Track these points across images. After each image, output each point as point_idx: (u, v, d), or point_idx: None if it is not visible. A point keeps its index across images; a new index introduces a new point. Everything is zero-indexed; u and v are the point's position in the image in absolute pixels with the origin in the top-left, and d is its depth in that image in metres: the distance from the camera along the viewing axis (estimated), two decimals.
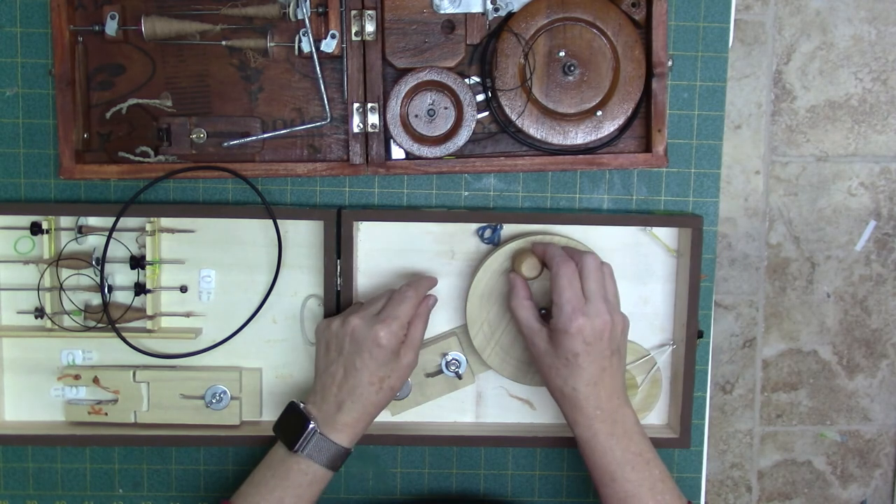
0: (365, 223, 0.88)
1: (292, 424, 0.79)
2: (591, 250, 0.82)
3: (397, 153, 0.86)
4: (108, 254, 0.83)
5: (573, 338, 0.76)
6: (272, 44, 0.85)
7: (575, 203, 0.90)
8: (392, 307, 0.79)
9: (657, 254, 0.89)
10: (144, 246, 0.86)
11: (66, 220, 0.87)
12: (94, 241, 0.87)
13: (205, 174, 0.85)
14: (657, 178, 0.90)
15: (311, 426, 0.78)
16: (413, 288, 0.81)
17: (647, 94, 0.85)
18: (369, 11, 0.83)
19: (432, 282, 0.86)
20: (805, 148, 0.91)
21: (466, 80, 0.85)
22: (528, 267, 0.84)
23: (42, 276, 0.85)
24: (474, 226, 0.88)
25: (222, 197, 0.89)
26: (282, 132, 0.87)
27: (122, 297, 0.87)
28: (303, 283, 0.89)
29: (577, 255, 0.80)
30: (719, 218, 0.89)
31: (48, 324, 0.85)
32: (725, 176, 0.99)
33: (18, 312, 0.88)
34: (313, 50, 0.83)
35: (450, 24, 0.84)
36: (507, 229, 0.88)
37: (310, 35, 0.83)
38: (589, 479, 0.93)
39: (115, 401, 0.88)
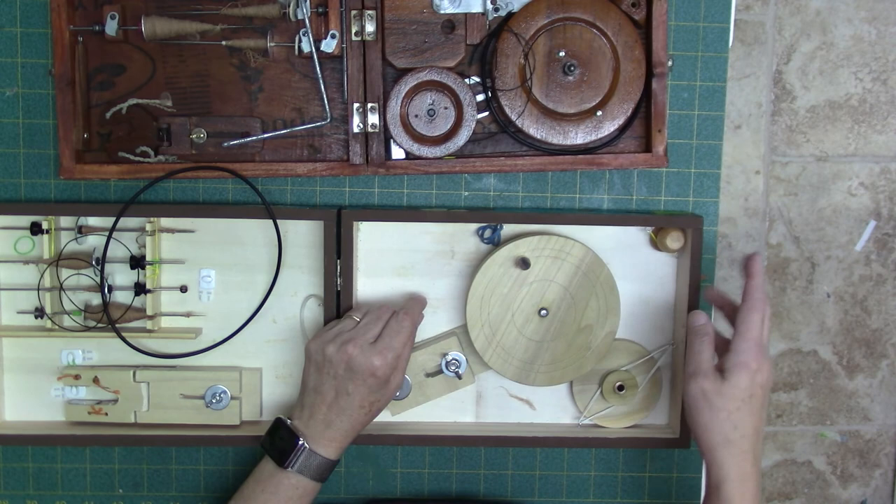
0: (365, 223, 0.88)
1: (281, 441, 0.79)
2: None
3: (397, 153, 0.86)
4: (108, 254, 0.83)
5: (752, 376, 0.73)
6: (272, 44, 0.85)
7: (575, 203, 0.90)
8: (390, 338, 0.79)
9: (657, 254, 0.89)
10: (144, 246, 0.86)
11: (66, 220, 0.87)
12: (94, 241, 0.87)
13: (205, 174, 0.85)
14: (657, 178, 0.90)
15: (300, 442, 0.78)
16: (410, 317, 0.82)
17: (647, 94, 0.85)
18: (369, 11, 0.83)
19: (424, 304, 0.88)
20: (805, 148, 0.91)
21: (466, 80, 0.85)
22: (673, 239, 0.83)
23: (42, 276, 0.85)
24: (474, 226, 0.88)
25: (222, 197, 0.89)
26: (282, 132, 0.87)
27: (122, 297, 0.87)
28: (303, 283, 0.89)
29: (764, 297, 0.77)
30: (719, 218, 0.89)
31: (48, 324, 0.85)
32: (725, 176, 0.99)
33: (18, 312, 0.87)
34: (313, 50, 0.83)
35: (450, 24, 0.84)
36: (507, 229, 0.88)
37: (310, 35, 0.83)
38: (588, 478, 0.93)
39: (115, 401, 0.88)
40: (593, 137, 0.85)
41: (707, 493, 0.76)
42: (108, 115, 0.85)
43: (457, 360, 0.89)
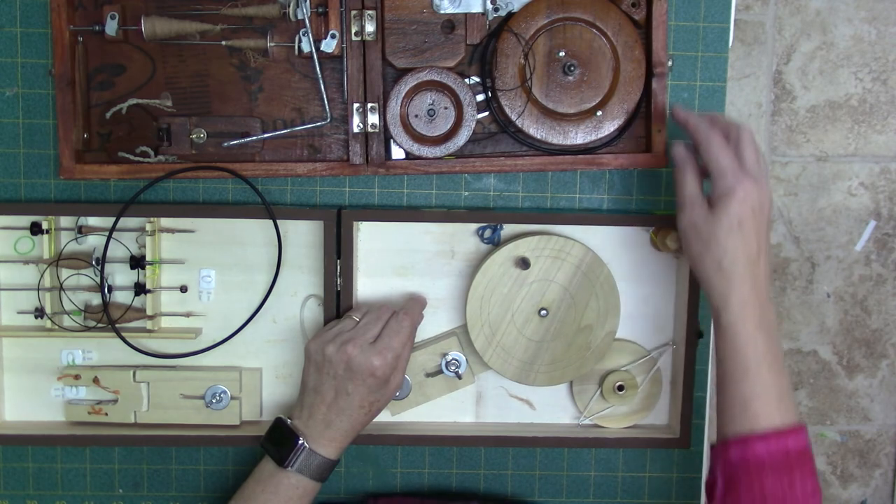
0: (365, 223, 0.88)
1: (281, 440, 0.80)
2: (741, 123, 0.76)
3: (397, 153, 0.86)
4: (108, 254, 0.83)
5: (740, 202, 0.71)
6: (272, 44, 0.85)
7: (575, 203, 0.90)
8: (389, 338, 0.80)
9: (657, 254, 0.89)
10: (144, 246, 0.86)
11: (66, 220, 0.87)
12: (94, 241, 0.87)
13: (205, 174, 0.85)
14: (657, 178, 0.90)
15: (300, 442, 0.79)
16: (410, 317, 0.82)
17: (647, 94, 0.85)
18: (369, 11, 0.83)
19: (424, 304, 0.88)
20: (805, 148, 0.91)
21: (466, 80, 0.85)
22: (673, 240, 0.84)
23: (42, 276, 0.85)
24: (474, 226, 0.88)
25: (222, 197, 0.89)
26: (282, 132, 0.87)
27: (122, 297, 0.87)
28: (303, 283, 0.89)
29: (731, 125, 0.76)
30: None
31: (48, 324, 0.85)
32: None
33: (18, 312, 0.87)
34: (313, 50, 0.83)
35: (450, 24, 0.84)
36: (507, 229, 0.88)
37: (310, 35, 0.83)
38: (588, 478, 0.93)
39: (115, 401, 0.88)
40: (593, 137, 0.85)
41: (713, 328, 0.75)
42: (108, 115, 0.85)
43: (457, 360, 0.89)
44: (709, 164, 0.74)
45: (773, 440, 0.70)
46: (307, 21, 0.82)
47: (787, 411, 0.72)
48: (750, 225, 0.72)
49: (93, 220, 0.87)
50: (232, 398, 0.88)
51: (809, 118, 0.91)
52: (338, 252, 0.85)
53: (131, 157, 0.85)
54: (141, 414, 0.88)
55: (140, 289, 0.86)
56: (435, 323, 0.90)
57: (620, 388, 0.89)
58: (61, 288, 0.86)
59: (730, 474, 0.72)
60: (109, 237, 0.83)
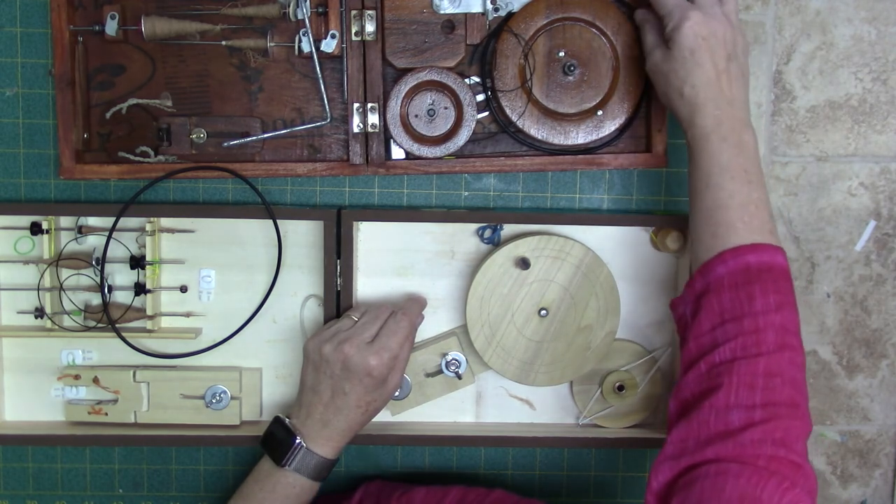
0: (365, 223, 0.88)
1: (279, 439, 0.80)
2: None
3: (397, 153, 0.86)
4: (108, 254, 0.83)
5: (687, 34, 0.74)
6: (272, 44, 0.85)
7: (575, 203, 0.90)
8: (386, 337, 0.79)
9: (657, 254, 0.89)
10: (144, 246, 0.86)
11: (66, 220, 0.87)
12: (94, 241, 0.87)
13: (205, 174, 0.85)
14: (657, 178, 0.90)
15: (297, 441, 0.79)
16: (408, 317, 0.82)
17: (647, 93, 0.85)
18: (369, 11, 0.83)
19: (423, 304, 0.88)
20: (805, 148, 0.91)
21: (466, 80, 0.85)
22: (673, 240, 0.85)
23: (42, 276, 0.85)
24: (474, 226, 0.88)
25: (222, 197, 0.89)
26: (282, 132, 0.87)
27: (122, 297, 0.87)
28: (303, 283, 0.89)
29: None
30: None
31: (48, 324, 0.85)
32: None
33: (18, 312, 0.88)
34: (313, 50, 0.83)
35: (450, 24, 0.84)
36: (507, 229, 0.88)
37: (310, 35, 0.83)
38: (588, 478, 0.93)
39: (115, 401, 0.88)
40: (594, 137, 0.85)
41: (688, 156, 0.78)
42: (108, 115, 0.85)
43: (457, 360, 0.89)
44: (659, 10, 0.78)
45: (730, 259, 0.71)
46: (307, 21, 0.82)
47: (755, 228, 0.72)
48: (703, 52, 0.75)
49: (93, 220, 0.87)
50: (232, 398, 0.88)
51: (809, 118, 0.91)
52: (338, 252, 0.85)
53: (131, 157, 0.85)
54: (141, 414, 0.88)
55: (140, 289, 0.86)
56: (435, 323, 0.90)
57: (620, 388, 0.89)
58: (61, 288, 0.86)
59: (696, 303, 0.73)
60: (109, 237, 0.83)
